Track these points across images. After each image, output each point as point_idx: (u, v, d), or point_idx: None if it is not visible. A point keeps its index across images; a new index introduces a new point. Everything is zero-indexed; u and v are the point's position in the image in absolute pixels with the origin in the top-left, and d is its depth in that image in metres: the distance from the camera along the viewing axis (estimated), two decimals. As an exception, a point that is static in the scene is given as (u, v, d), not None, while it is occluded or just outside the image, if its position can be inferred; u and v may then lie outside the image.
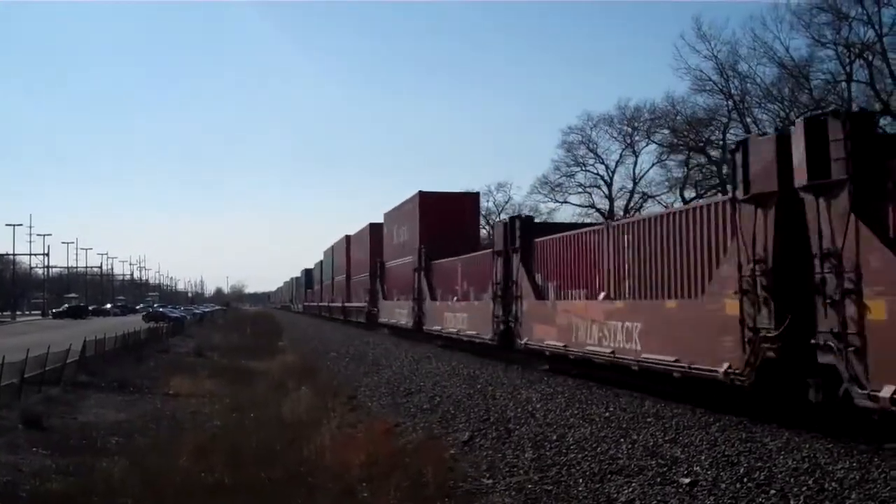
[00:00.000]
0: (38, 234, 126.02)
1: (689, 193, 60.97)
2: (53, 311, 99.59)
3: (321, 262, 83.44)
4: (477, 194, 43.81)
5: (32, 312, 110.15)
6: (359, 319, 51.18)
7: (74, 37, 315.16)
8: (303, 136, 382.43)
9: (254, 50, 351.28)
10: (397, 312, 38.52)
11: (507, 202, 75.68)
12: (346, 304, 57.92)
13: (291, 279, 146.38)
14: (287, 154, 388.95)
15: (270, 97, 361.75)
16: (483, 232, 49.60)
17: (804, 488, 8.68)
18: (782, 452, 10.10)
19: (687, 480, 9.45)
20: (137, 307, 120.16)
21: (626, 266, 16.46)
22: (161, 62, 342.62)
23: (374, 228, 47.24)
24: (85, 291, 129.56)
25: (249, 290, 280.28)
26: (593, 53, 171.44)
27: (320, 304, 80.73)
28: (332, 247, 70.00)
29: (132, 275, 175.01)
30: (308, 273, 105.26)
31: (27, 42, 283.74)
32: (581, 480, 10.08)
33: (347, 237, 58.50)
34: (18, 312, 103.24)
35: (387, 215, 43.72)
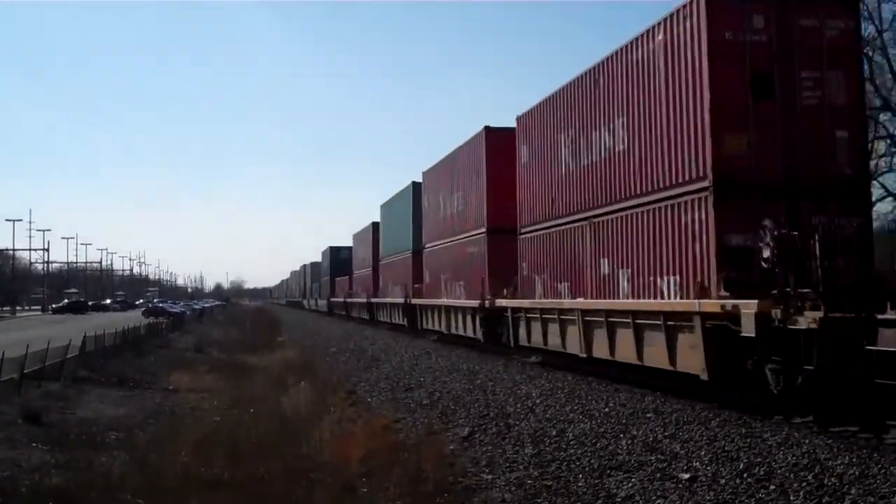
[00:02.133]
0: (37, 230, 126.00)
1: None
2: (53, 306, 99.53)
3: (371, 228, 52.00)
4: None
5: (32, 307, 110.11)
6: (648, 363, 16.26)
7: (77, 32, 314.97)
8: (304, 136, 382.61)
9: (256, 47, 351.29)
10: None
11: None
12: (502, 301, 24.02)
13: (303, 267, 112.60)
14: (286, 153, 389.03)
15: (271, 94, 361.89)
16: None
17: (804, 484, 8.68)
18: (782, 448, 10.10)
19: (686, 476, 9.44)
20: (137, 302, 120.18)
21: None
22: (164, 59, 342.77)
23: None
24: (85, 287, 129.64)
25: (249, 285, 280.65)
26: (599, 50, 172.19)
27: (374, 299, 49.02)
28: (423, 183, 35.48)
29: (132, 270, 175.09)
30: (336, 253, 73.23)
31: (28, 37, 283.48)
32: (581, 476, 10.07)
33: (489, 132, 25.78)
34: (18, 307, 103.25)
35: None
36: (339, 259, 71.06)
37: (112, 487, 10.44)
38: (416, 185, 37.65)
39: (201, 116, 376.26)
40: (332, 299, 73.68)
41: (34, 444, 13.47)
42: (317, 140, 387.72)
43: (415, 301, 35.97)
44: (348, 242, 68.17)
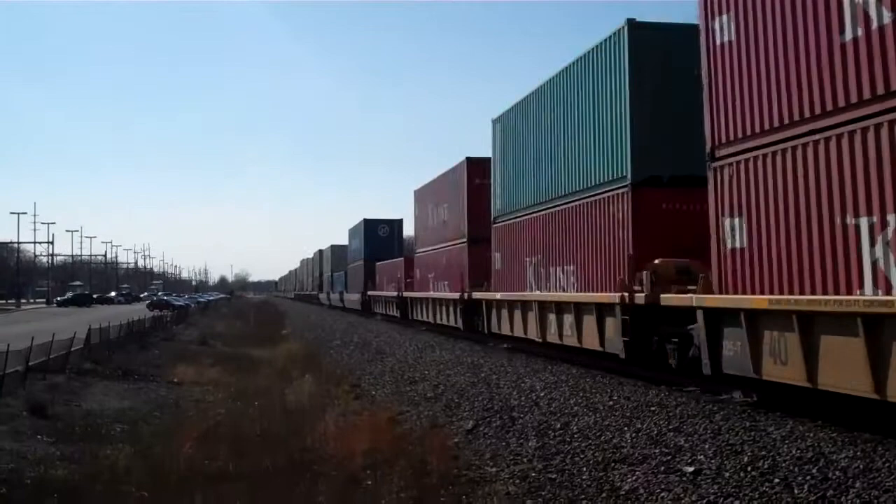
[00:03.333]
0: (42, 223, 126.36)
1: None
2: (58, 299, 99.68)
3: (464, 168, 29.42)
4: None
5: (37, 300, 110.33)
6: None
7: (80, 30, 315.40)
8: (308, 128, 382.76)
9: (260, 44, 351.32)
10: None
11: None
12: None
13: (317, 253, 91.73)
14: (291, 147, 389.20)
15: (276, 90, 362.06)
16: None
17: (808, 477, 8.67)
18: (786, 441, 10.09)
19: (691, 469, 9.44)
20: (142, 295, 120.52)
21: None
22: (168, 54, 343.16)
23: None
24: (89, 279, 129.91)
25: (253, 278, 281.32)
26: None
27: (479, 294, 26.33)
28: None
29: (136, 263, 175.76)
30: (374, 230, 53.55)
31: (32, 35, 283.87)
32: (585, 469, 10.08)
33: None
34: (23, 300, 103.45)
35: None
36: (377, 237, 52.49)
37: (117, 480, 10.47)
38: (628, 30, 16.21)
39: (210, 112, 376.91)
40: (371, 293, 51.11)
41: (39, 437, 13.52)
42: (323, 139, 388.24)
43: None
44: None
